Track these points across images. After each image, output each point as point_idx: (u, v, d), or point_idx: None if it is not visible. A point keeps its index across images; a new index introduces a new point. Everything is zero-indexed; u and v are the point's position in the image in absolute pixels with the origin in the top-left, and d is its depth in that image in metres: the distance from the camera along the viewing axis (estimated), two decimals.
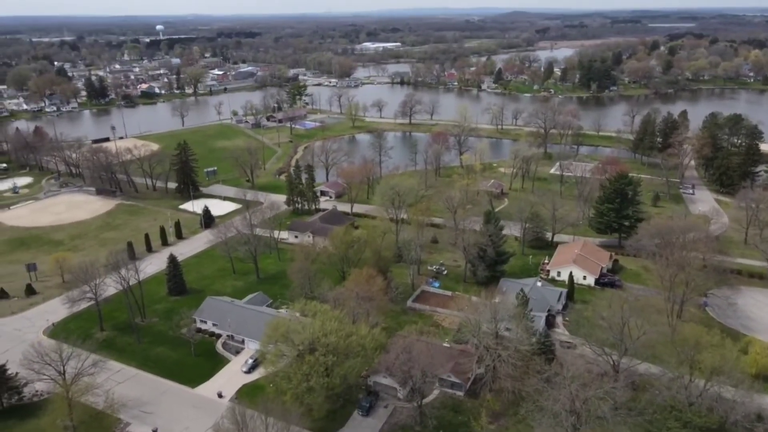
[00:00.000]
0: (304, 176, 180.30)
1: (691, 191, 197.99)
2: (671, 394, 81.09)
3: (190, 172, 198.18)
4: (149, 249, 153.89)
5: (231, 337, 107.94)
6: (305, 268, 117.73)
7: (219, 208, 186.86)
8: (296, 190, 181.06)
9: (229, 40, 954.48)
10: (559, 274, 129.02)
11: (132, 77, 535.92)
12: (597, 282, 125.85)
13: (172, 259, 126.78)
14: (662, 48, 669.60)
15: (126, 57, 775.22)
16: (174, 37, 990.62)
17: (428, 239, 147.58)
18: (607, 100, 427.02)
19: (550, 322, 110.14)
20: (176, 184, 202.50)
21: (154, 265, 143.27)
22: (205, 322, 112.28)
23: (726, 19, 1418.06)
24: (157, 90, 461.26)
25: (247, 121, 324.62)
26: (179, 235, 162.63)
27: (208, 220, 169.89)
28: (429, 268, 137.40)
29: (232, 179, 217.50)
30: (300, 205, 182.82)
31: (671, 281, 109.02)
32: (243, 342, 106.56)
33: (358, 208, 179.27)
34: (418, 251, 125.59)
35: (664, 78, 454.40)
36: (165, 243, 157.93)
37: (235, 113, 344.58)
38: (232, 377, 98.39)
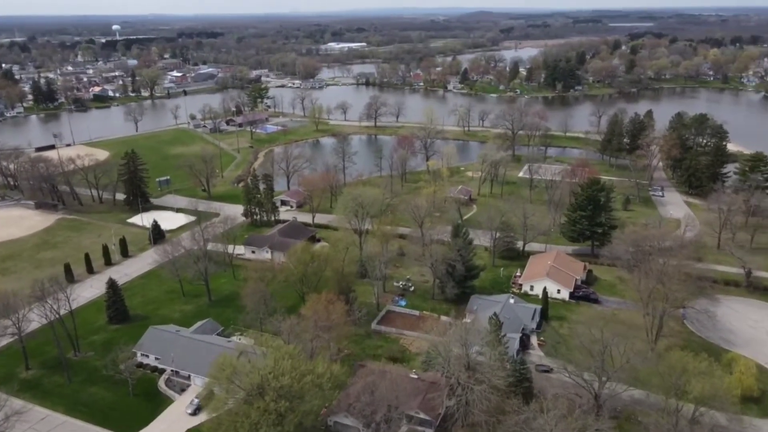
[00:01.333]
0: (262, 186, 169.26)
1: (660, 193, 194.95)
2: (658, 426, 74.37)
3: (140, 183, 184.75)
4: (90, 270, 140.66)
5: (175, 373, 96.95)
6: (260, 291, 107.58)
7: (171, 221, 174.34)
8: (254, 200, 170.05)
9: (190, 41, 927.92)
10: (532, 288, 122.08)
11: (85, 79, 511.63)
12: (572, 296, 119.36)
13: (112, 284, 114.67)
14: (624, 47, 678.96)
15: (80, 58, 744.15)
16: (132, 37, 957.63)
17: (394, 253, 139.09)
18: (572, 99, 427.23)
19: (524, 343, 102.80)
20: (125, 196, 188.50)
21: (94, 288, 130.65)
22: (147, 356, 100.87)
23: (683, 19, 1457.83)
24: (110, 93, 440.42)
25: (205, 126, 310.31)
26: (125, 253, 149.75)
27: (157, 235, 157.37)
28: (395, 284, 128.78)
29: (187, 189, 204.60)
30: (259, 217, 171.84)
31: (649, 296, 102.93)
32: (189, 378, 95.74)
33: (321, 218, 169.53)
34: (382, 269, 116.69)
35: (628, 77, 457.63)
36: (108, 262, 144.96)
37: (192, 117, 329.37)
38: (175, 421, 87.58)
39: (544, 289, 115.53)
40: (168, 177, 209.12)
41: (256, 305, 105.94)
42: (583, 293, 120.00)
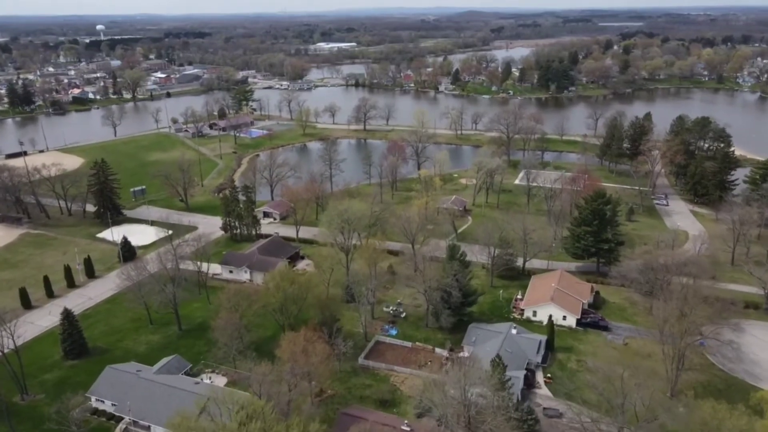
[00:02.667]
0: (242, 197, 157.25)
1: (664, 202, 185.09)
2: None
3: (111, 194, 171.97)
4: (50, 294, 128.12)
5: (134, 423, 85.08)
6: (233, 322, 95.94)
7: (144, 235, 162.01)
8: (233, 213, 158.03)
9: (177, 41, 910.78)
10: (535, 314, 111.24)
11: (65, 81, 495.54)
12: (579, 322, 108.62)
13: (67, 315, 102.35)
14: (616, 47, 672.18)
15: (62, 59, 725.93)
16: (117, 37, 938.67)
17: (384, 273, 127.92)
18: (566, 101, 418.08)
19: (529, 381, 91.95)
20: (95, 208, 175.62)
21: (53, 315, 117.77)
22: (103, 401, 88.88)
23: (672, 18, 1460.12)
24: (91, 95, 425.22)
25: (186, 130, 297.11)
26: (90, 274, 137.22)
27: (127, 252, 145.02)
28: (385, 309, 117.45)
29: (164, 199, 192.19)
30: (239, 231, 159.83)
31: (667, 323, 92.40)
32: (149, 429, 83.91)
33: (306, 232, 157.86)
34: (370, 298, 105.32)
35: (622, 78, 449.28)
36: (72, 284, 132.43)
37: (174, 121, 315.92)
38: None
39: (550, 317, 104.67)
40: (143, 186, 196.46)
41: (228, 339, 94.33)
42: (591, 320, 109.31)
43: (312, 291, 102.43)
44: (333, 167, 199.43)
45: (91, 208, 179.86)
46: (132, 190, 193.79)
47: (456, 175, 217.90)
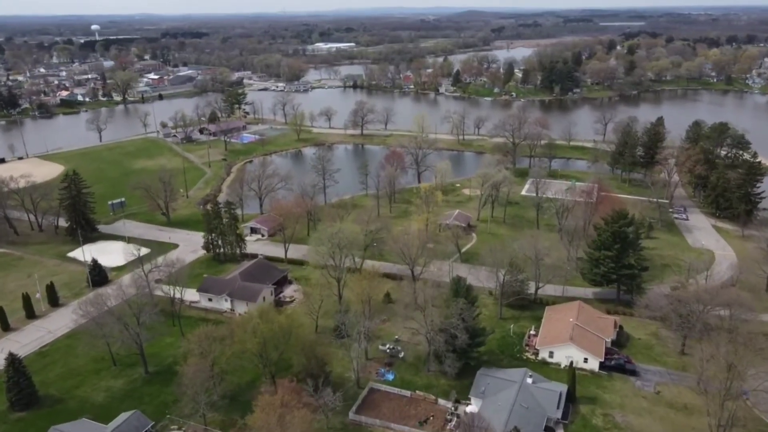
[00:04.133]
0: (225, 214, 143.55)
1: (684, 216, 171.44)
2: None
3: (84, 208, 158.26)
4: (5, 327, 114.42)
5: None
6: (203, 370, 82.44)
7: (120, 255, 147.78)
8: (216, 230, 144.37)
9: (174, 41, 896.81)
10: (551, 354, 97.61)
11: (56, 82, 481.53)
12: (602, 365, 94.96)
13: (12, 361, 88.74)
14: (619, 47, 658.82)
15: (55, 60, 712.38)
16: (111, 37, 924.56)
17: (380, 300, 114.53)
18: (570, 103, 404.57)
19: None
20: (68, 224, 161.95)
21: (4, 354, 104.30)
22: None
23: (673, 18, 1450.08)
24: (80, 97, 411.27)
25: (175, 135, 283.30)
26: (53, 302, 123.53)
27: (97, 276, 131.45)
28: (381, 347, 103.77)
29: (144, 212, 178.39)
30: (222, 249, 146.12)
31: (711, 377, 79.00)
32: None
33: (296, 251, 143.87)
34: (362, 341, 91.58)
35: (628, 79, 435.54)
36: (31, 315, 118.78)
37: (164, 125, 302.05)
38: None
39: (571, 364, 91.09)
40: (122, 199, 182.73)
41: (197, 391, 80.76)
42: (616, 362, 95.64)
43: (296, 331, 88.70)
44: (327, 178, 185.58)
45: (65, 223, 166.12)
46: (110, 202, 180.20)
47: (458, 185, 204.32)
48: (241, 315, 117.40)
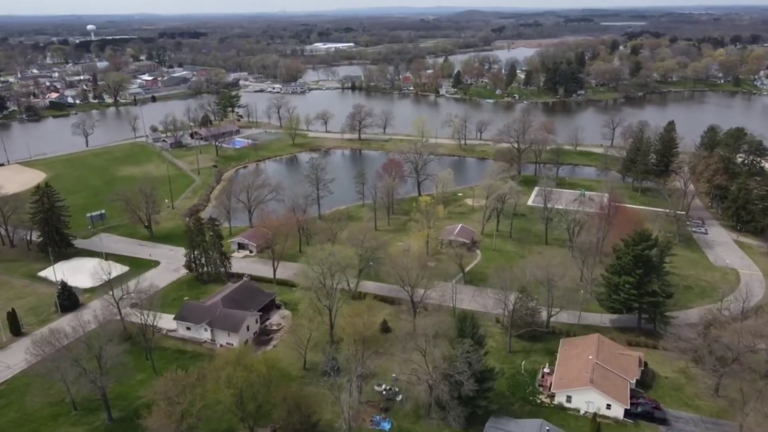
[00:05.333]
0: (208, 231, 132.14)
1: (703, 230, 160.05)
2: None
3: (57, 223, 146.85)
4: None
5: None
6: (171, 425, 71.15)
7: (95, 274, 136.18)
8: (199, 248, 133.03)
9: (170, 41, 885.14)
10: (569, 399, 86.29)
11: (47, 84, 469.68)
12: (628, 413, 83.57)
13: None
14: (622, 47, 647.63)
15: (49, 60, 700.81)
16: (108, 37, 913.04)
17: (376, 329, 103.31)
18: (574, 105, 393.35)
19: None
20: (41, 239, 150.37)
21: None
22: None
23: (674, 18, 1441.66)
24: (70, 99, 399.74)
25: (164, 140, 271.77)
26: (16, 330, 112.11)
27: (67, 300, 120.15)
28: (376, 388, 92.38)
29: (126, 225, 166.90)
30: (206, 269, 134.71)
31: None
32: None
33: (287, 270, 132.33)
34: (354, 391, 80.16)
35: (634, 80, 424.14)
36: None
37: (154, 129, 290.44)
38: None
39: (594, 417, 79.71)
40: (102, 211, 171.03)
41: None
42: (643, 408, 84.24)
43: (279, 379, 77.37)
44: (321, 188, 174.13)
45: (38, 237, 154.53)
46: (89, 215, 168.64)
47: (460, 195, 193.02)
48: (222, 346, 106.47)
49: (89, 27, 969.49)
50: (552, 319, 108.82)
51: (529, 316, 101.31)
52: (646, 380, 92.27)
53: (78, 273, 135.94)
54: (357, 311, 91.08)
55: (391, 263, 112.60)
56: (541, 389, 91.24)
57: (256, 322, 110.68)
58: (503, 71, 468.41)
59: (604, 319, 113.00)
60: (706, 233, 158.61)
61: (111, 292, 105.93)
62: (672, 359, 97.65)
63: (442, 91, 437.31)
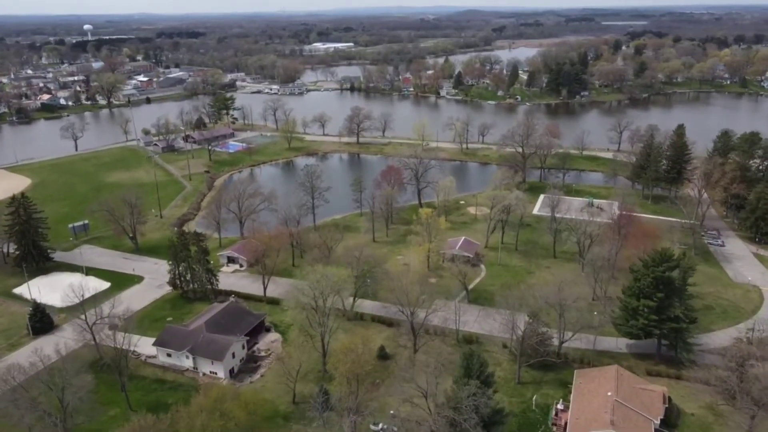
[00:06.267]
0: (193, 246, 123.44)
1: (719, 242, 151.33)
2: None
3: (35, 236, 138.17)
4: None
5: None
6: None
7: (74, 290, 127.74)
8: (184, 263, 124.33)
9: (168, 41, 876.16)
10: None
11: (41, 85, 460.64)
12: None
13: None
14: (625, 47, 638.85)
15: (44, 61, 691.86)
16: (104, 37, 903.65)
17: (373, 357, 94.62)
18: (578, 107, 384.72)
19: None
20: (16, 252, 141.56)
21: None
22: None
23: (675, 17, 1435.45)
24: (62, 101, 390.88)
25: (156, 144, 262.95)
26: None
27: (39, 322, 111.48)
28: (372, 427, 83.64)
29: (110, 237, 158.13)
30: (192, 285, 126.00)
31: None
32: None
33: (278, 286, 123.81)
34: (347, 430, 71.66)
35: (638, 81, 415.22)
36: None
37: (146, 132, 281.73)
38: None
39: None
40: (86, 221, 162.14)
41: None
42: None
43: (265, 413, 68.78)
44: (316, 197, 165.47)
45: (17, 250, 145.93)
46: (71, 225, 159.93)
47: (462, 203, 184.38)
48: (205, 375, 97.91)
49: (86, 27, 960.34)
50: (564, 344, 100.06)
51: (540, 345, 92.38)
52: (671, 418, 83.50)
53: (56, 290, 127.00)
54: (351, 345, 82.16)
55: (389, 284, 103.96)
56: (554, 429, 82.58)
57: (243, 347, 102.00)
58: (505, 72, 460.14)
59: (620, 343, 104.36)
60: (723, 245, 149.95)
61: (84, 316, 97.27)
62: (698, 392, 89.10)
63: (443, 93, 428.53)
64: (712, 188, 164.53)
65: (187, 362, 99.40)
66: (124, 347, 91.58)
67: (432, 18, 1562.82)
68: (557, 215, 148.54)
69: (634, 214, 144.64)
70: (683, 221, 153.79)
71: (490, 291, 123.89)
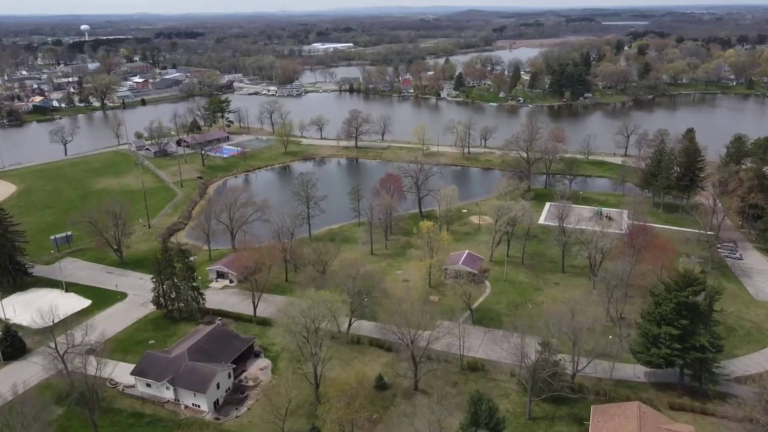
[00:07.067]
0: (178, 263, 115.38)
1: (737, 255, 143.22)
2: None
3: (11, 250, 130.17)
4: None
5: None
6: None
7: (44, 315, 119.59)
8: (169, 281, 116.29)
9: (166, 42, 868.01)
10: None
11: (34, 86, 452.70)
12: None
13: None
14: (627, 48, 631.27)
15: (40, 61, 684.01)
16: (102, 38, 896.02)
17: (370, 387, 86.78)
18: (581, 109, 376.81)
19: None
20: None
21: None
22: None
23: (676, 17, 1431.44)
24: (55, 103, 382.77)
25: (148, 148, 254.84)
26: None
27: (10, 347, 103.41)
28: None
29: (94, 249, 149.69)
30: (177, 305, 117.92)
31: None
32: None
33: (269, 305, 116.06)
34: None
35: (643, 83, 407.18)
36: None
37: (139, 135, 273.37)
38: None
39: None
40: (68, 233, 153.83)
41: None
42: None
43: None
44: (312, 206, 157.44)
45: None
46: (53, 237, 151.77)
47: (465, 211, 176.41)
48: (187, 408, 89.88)
49: (83, 27, 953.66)
50: (577, 373, 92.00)
51: (554, 378, 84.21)
52: None
53: (32, 308, 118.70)
54: (344, 386, 74.01)
55: (388, 305, 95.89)
56: None
57: (229, 376, 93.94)
58: (506, 73, 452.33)
59: (638, 371, 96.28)
60: (741, 258, 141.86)
61: (53, 343, 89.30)
62: (726, 428, 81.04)
63: (444, 94, 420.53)
64: (728, 197, 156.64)
65: (168, 393, 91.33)
66: (100, 375, 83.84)
67: (432, 18, 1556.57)
68: (565, 225, 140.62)
69: (648, 224, 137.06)
70: (699, 232, 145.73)
71: (496, 311, 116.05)
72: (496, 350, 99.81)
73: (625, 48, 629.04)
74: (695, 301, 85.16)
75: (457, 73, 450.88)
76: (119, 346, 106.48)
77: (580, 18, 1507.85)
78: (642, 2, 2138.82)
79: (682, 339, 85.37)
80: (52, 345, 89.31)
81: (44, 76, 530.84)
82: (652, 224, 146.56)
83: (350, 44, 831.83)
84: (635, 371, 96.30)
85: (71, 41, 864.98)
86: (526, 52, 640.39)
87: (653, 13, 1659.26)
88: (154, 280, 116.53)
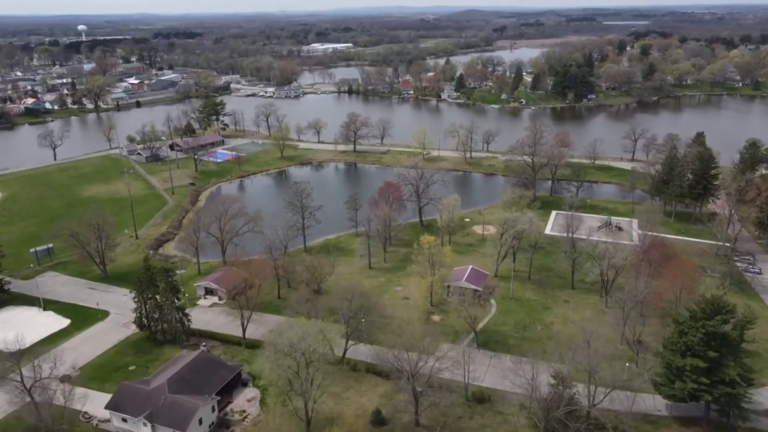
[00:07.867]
0: (161, 282, 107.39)
1: (756, 269, 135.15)
2: None
3: None
4: None
5: None
6: None
7: (28, 330, 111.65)
8: (152, 300, 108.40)
9: (164, 42, 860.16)
10: None
11: (28, 88, 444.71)
12: None
13: None
14: (629, 48, 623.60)
15: (36, 62, 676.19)
16: (99, 38, 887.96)
17: (367, 422, 78.97)
18: (584, 110, 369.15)
19: None
20: None
21: None
22: None
23: (677, 17, 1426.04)
24: (48, 105, 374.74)
25: (140, 153, 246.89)
26: None
27: None
28: None
29: (77, 262, 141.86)
30: (161, 326, 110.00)
31: None
32: None
33: (260, 325, 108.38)
34: None
35: (647, 84, 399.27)
36: None
37: (131, 139, 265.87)
38: None
39: None
40: (50, 245, 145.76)
41: None
42: None
43: None
44: (307, 217, 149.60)
45: None
46: (33, 250, 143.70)
47: (468, 220, 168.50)
48: None
49: (80, 27, 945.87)
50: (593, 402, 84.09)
51: (569, 417, 76.29)
52: None
53: (7, 329, 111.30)
54: (338, 426, 66.27)
55: (387, 328, 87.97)
56: None
57: (213, 410, 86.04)
58: (508, 74, 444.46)
59: (659, 403, 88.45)
60: (760, 273, 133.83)
61: (18, 371, 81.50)
62: None
63: (444, 96, 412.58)
64: (746, 206, 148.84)
65: (146, 430, 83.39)
66: (72, 407, 76.31)
67: (432, 18, 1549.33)
68: (573, 236, 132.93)
69: (663, 235, 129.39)
70: (715, 244, 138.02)
71: (503, 332, 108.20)
72: (503, 378, 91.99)
73: (628, 48, 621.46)
74: (725, 332, 77.26)
75: (457, 74, 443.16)
76: (97, 373, 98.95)
77: (581, 18, 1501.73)
78: (642, 2, 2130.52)
79: (710, 372, 77.54)
80: (18, 378, 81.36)
81: (38, 77, 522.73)
82: (665, 235, 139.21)
83: (350, 44, 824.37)
84: (655, 403, 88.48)
85: (68, 41, 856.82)
86: (527, 53, 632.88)
87: (654, 13, 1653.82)
88: (136, 300, 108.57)
